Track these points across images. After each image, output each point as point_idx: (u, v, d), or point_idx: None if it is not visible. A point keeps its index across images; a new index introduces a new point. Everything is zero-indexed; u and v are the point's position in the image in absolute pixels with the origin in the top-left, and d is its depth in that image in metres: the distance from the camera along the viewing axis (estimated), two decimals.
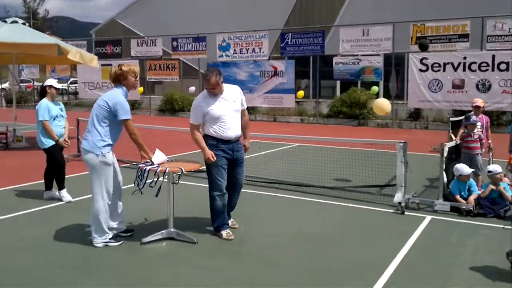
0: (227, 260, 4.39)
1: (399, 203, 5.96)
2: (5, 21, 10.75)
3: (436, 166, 8.83)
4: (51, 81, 6.51)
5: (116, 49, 23.16)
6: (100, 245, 4.68)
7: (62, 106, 6.69)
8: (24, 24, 10.90)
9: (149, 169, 4.58)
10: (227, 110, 4.85)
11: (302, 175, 7.94)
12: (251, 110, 17.95)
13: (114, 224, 4.86)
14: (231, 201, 5.19)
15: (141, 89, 22.01)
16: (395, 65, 18.03)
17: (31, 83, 28.00)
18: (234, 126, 4.92)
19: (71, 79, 28.28)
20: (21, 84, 28.33)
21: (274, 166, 8.52)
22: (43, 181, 6.62)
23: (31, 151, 10.80)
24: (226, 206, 5.03)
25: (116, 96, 4.62)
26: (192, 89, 20.45)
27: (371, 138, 12.86)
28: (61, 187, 6.44)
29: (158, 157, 4.73)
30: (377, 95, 19.28)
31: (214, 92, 4.81)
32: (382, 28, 17.25)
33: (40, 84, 30.91)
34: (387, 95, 21.04)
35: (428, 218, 5.71)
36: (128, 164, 8.64)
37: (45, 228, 5.21)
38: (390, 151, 8.62)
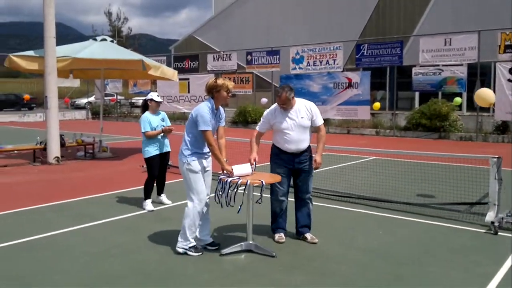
0: (307, 277, 4.25)
1: (492, 222, 5.51)
2: (95, 39, 11.50)
3: None
4: (151, 95, 6.87)
5: (194, 64, 23.99)
6: (180, 250, 4.77)
7: (164, 116, 6.99)
8: (112, 41, 11.60)
9: (230, 181, 4.59)
10: (292, 125, 5.03)
11: (381, 189, 7.64)
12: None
13: (200, 236, 4.93)
14: (302, 211, 5.22)
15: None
16: (480, 75, 17.00)
17: (114, 97, 29.73)
18: (296, 140, 5.04)
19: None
20: (105, 98, 30.15)
21: (351, 179, 8.29)
22: (130, 189, 6.89)
23: (115, 161, 11.38)
24: (284, 212, 5.23)
25: (200, 108, 4.75)
26: (264, 100, 20.60)
27: (454, 152, 12.15)
28: (146, 196, 6.70)
29: (242, 169, 4.73)
30: (459, 107, 18.31)
31: (284, 107, 5.04)
32: (466, 37, 16.40)
33: (123, 97, 32.78)
34: (470, 107, 19.93)
35: None
36: None
37: (130, 236, 5.40)
38: (475, 166, 8.09)
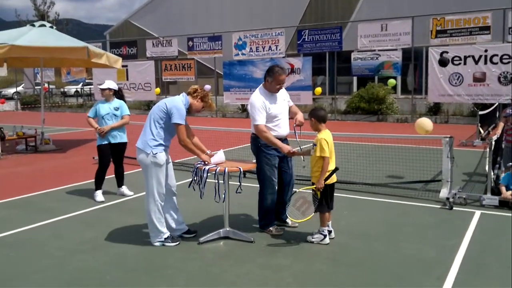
0: (292, 259, 4.38)
1: (447, 198, 5.93)
2: (33, 25, 10.82)
3: (470, 160, 8.84)
4: (103, 84, 6.76)
5: (131, 50, 23.25)
6: (157, 244, 4.74)
7: (120, 104, 6.73)
8: (51, 27, 10.97)
9: (208, 169, 4.59)
10: (282, 109, 4.97)
11: (339, 172, 7.90)
12: None
13: (176, 226, 4.90)
14: (284, 197, 5.15)
15: (158, 90, 22.10)
16: (413, 59, 17.93)
17: (46, 86, 28.17)
18: (286, 124, 5.04)
19: (86, 81, 28.39)
20: (36, 87, 28.50)
21: (307, 162, 8.49)
22: (84, 182, 6.71)
23: (60, 154, 10.89)
24: (275, 204, 5.09)
25: (176, 101, 4.71)
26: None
27: (392, 133, 12.81)
28: (97, 187, 6.59)
29: (218, 157, 4.77)
30: (394, 88, 19.23)
31: (280, 89, 4.90)
32: (401, 23, 17.18)
33: (54, 86, 31.03)
34: (405, 90, 20.99)
35: (478, 212, 5.69)
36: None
37: (98, 230, 5.24)
38: (422, 147, 8.62)
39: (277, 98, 4.96)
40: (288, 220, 5.21)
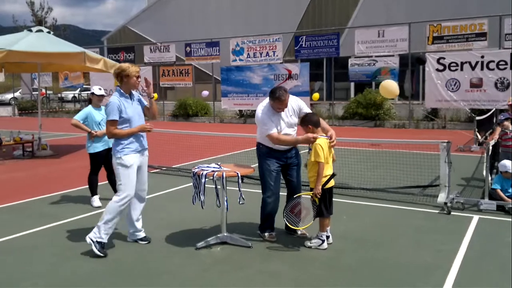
0: (289, 264, 4.36)
1: (445, 203, 5.93)
2: (31, 30, 10.82)
3: (467, 165, 8.84)
4: (93, 89, 6.80)
5: (129, 56, 23.27)
6: (88, 240, 4.57)
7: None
8: (48, 33, 10.97)
9: (206, 174, 4.58)
10: (283, 125, 4.91)
11: (337, 177, 7.90)
12: None
13: (132, 230, 4.97)
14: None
15: (155, 95, 22.07)
16: (411, 65, 17.99)
17: (43, 91, 28.13)
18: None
19: (84, 86, 28.37)
20: (33, 93, 28.46)
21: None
22: (82, 187, 6.70)
23: (57, 159, 10.85)
24: (276, 211, 5.06)
25: (109, 100, 4.69)
26: (205, 93, 20.38)
27: (389, 138, 12.85)
28: (92, 193, 6.59)
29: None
30: None
31: (281, 110, 4.87)
32: (398, 29, 17.27)
33: (51, 92, 31.01)
34: (402, 96, 21.02)
35: (476, 217, 5.68)
36: (158, 170, 8.68)
37: None
38: (414, 152, 8.62)
39: (280, 115, 4.91)
40: (298, 231, 5.09)
